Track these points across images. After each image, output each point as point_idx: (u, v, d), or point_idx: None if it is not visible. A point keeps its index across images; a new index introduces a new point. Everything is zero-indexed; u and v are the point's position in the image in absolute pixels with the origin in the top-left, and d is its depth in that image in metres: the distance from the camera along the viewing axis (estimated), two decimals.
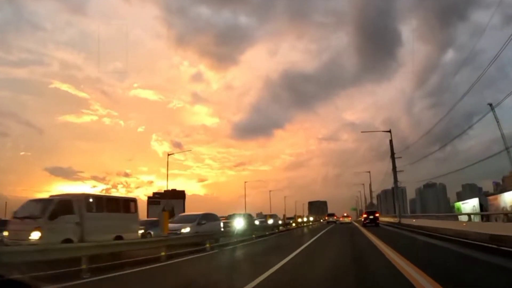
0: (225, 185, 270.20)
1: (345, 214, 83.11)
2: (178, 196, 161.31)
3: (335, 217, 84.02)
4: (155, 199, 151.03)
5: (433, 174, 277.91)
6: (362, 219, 52.76)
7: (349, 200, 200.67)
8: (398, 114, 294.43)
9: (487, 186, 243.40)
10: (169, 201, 79.36)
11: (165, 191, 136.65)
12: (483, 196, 55.51)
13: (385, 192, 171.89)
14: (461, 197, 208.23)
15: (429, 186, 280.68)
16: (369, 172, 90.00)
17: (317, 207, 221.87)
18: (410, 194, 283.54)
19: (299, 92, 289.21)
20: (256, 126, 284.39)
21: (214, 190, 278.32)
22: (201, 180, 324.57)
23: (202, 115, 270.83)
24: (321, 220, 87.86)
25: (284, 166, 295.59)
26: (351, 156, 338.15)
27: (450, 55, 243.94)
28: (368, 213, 51.57)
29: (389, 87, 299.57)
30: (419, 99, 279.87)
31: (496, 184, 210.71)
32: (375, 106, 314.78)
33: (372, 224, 47.02)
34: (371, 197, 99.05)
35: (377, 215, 51.28)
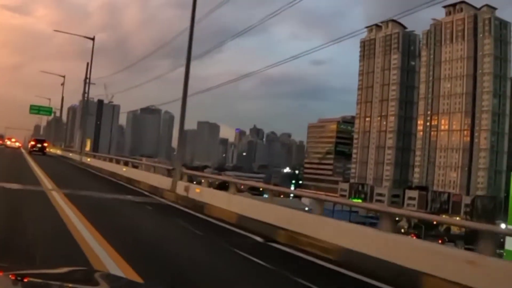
0: None
1: (13, 140, 67.56)
2: None
3: None
4: None
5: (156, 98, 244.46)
6: (29, 146, 50.84)
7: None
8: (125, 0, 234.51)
9: (227, 132, 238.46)
10: None
11: None
12: None
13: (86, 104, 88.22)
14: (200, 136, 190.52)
15: (149, 112, 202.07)
16: (64, 77, 61.42)
17: None
18: (123, 118, 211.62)
19: None
20: None
21: None
22: None
23: None
24: None
25: None
26: (44, 43, 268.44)
27: None
28: (37, 141, 50.70)
29: None
30: None
31: (240, 133, 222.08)
32: None
33: (39, 153, 46.01)
34: (61, 113, 70.46)
35: (45, 144, 50.66)
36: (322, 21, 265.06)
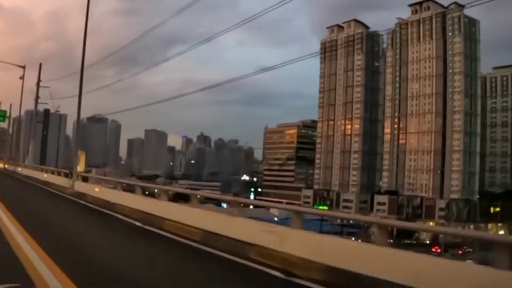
0: None
1: None
2: None
3: None
4: None
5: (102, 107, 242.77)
6: None
7: None
8: (70, 8, 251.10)
9: (175, 140, 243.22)
10: None
11: None
12: None
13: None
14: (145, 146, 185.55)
15: (96, 121, 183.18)
16: (24, 67, 49.48)
17: None
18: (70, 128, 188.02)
19: None
20: None
21: None
22: None
23: None
24: None
25: None
26: None
27: None
28: None
29: None
30: None
31: (187, 140, 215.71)
32: None
33: None
34: (20, 111, 59.89)
35: None
36: (266, 27, 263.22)
